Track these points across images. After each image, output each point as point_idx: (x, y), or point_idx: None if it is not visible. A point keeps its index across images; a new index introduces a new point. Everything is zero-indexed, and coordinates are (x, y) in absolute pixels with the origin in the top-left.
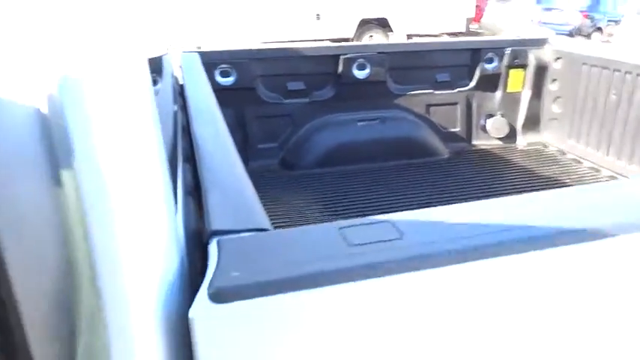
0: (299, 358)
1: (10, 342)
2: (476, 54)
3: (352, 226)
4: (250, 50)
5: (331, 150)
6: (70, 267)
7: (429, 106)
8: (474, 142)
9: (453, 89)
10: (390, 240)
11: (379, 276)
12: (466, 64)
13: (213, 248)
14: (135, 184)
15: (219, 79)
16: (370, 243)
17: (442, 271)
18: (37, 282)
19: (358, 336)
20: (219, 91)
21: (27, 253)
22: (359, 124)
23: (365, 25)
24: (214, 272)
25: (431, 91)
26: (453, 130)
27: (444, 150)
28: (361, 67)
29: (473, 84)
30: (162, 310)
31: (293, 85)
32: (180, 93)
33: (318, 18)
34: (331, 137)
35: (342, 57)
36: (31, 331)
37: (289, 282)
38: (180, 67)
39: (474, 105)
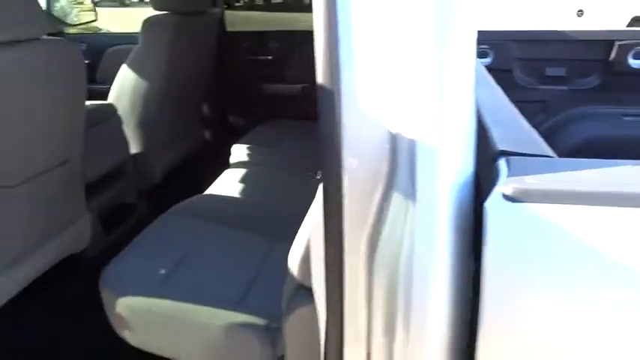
0: (575, 267)
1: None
2: None
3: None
4: (511, 32)
5: (588, 142)
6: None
7: None
8: None
9: None
10: None
11: None
12: None
13: (502, 164)
14: (452, 126)
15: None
16: None
17: None
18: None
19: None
20: None
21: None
22: (625, 118)
23: (637, 22)
24: (506, 178)
25: None
26: None
27: None
28: (638, 56)
29: None
30: (458, 201)
31: (552, 71)
32: None
33: (580, 15)
34: (590, 129)
35: (617, 43)
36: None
37: (580, 195)
38: None
39: None
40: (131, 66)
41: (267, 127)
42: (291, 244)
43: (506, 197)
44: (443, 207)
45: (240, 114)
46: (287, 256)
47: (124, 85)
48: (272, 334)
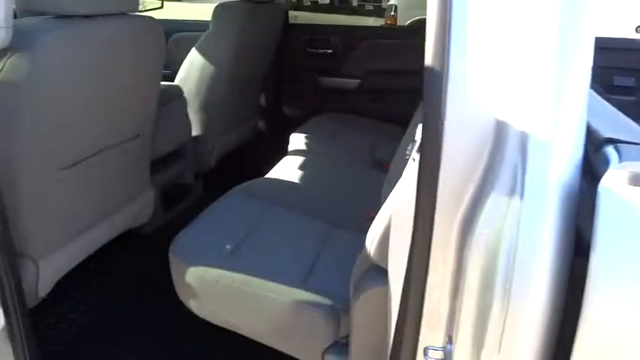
0: None
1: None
2: None
3: None
4: None
5: None
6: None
7: None
8: None
9: None
10: None
11: None
12: None
13: (610, 150)
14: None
15: None
16: None
17: None
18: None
19: None
20: None
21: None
22: None
23: None
24: (619, 163)
25: None
26: None
27: None
28: None
29: None
30: (567, 189)
31: (621, 81)
32: None
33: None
34: None
35: None
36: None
37: None
38: None
39: None
40: (200, 50)
41: (325, 117)
42: (349, 231)
43: (622, 181)
44: (553, 194)
45: (295, 105)
46: (346, 242)
47: (192, 69)
48: (337, 314)
